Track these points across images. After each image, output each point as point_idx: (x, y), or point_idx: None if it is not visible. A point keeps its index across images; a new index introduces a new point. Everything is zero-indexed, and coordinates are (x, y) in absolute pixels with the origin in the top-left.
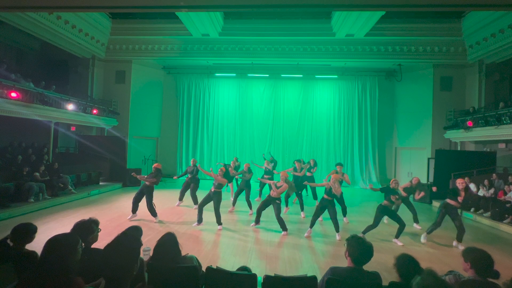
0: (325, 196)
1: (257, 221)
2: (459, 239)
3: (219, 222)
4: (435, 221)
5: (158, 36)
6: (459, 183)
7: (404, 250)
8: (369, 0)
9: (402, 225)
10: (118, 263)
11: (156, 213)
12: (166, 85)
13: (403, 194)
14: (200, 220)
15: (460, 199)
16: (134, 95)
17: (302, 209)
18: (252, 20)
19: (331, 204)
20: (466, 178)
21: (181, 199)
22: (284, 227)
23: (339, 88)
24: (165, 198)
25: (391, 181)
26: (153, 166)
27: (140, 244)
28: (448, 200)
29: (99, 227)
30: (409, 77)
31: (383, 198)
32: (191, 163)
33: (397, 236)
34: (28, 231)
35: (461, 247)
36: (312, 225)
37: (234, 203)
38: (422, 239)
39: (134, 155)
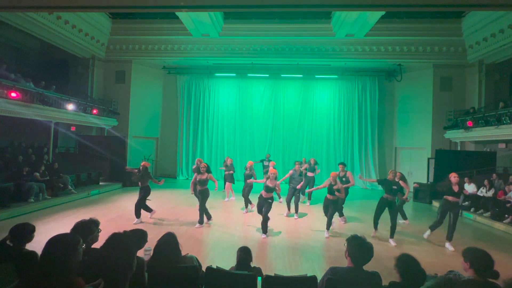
0: (328, 196)
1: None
2: (449, 238)
3: (201, 221)
4: (436, 218)
5: (158, 36)
6: (453, 176)
7: (403, 250)
8: (369, 0)
9: (394, 224)
10: (113, 262)
11: (139, 214)
12: (166, 85)
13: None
14: (202, 221)
15: (455, 188)
16: (134, 95)
17: (296, 211)
18: (252, 20)
19: (333, 203)
20: (466, 178)
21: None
22: (265, 230)
23: (339, 88)
24: (164, 199)
25: (389, 172)
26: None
27: (133, 241)
28: (445, 197)
29: (100, 227)
30: (409, 77)
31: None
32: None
33: (391, 236)
34: (25, 231)
35: (451, 248)
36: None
37: (246, 204)
38: (425, 235)
39: (134, 155)
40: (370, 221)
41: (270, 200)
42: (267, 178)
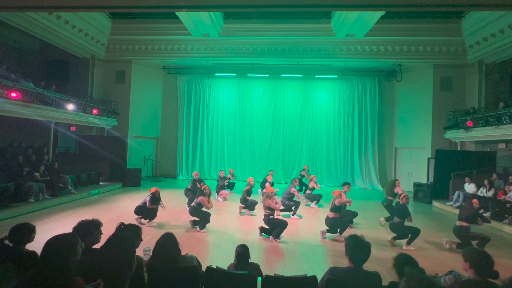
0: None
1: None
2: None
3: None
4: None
5: (158, 36)
6: (476, 203)
7: (403, 250)
8: (369, 0)
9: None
10: (113, 262)
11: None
12: (166, 85)
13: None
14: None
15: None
16: (134, 95)
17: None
18: (252, 20)
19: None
20: (466, 178)
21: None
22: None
23: (339, 88)
24: (164, 199)
25: (402, 196)
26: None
27: (132, 241)
28: (464, 224)
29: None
30: (409, 77)
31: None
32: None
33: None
34: (25, 231)
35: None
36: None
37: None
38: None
39: (134, 155)
40: (370, 221)
41: (270, 217)
42: (268, 197)
